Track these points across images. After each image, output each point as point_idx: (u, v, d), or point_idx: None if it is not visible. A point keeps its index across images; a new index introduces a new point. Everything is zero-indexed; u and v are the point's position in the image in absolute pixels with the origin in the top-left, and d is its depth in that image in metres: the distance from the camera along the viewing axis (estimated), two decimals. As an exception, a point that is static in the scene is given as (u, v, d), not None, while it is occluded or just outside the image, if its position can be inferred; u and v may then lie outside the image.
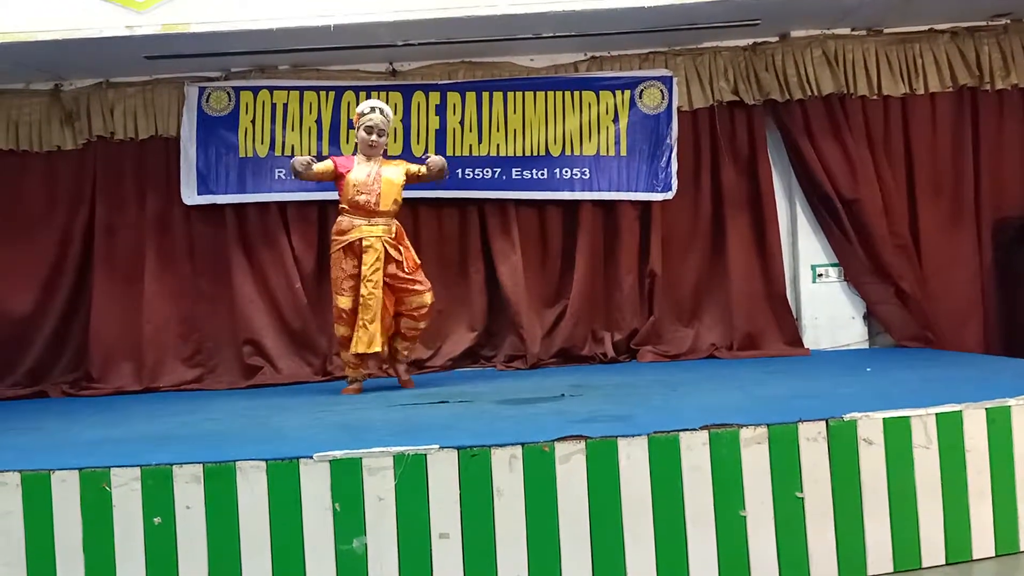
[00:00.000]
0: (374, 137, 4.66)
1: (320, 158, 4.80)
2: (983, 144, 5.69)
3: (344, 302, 4.61)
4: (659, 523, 2.67)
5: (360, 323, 4.53)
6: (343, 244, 4.63)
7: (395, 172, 4.71)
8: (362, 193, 4.60)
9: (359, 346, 4.54)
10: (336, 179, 4.70)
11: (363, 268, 4.55)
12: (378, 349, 4.58)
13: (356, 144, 4.78)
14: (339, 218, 4.69)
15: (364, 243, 4.58)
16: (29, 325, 5.72)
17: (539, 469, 2.66)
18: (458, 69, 5.80)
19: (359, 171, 4.65)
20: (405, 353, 4.94)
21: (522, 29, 5.31)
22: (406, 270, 4.65)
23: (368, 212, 4.61)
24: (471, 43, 5.46)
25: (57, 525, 2.66)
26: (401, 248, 4.69)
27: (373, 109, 4.67)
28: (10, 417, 4.57)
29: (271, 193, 5.71)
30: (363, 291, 4.53)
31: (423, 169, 4.70)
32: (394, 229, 4.69)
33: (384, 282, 4.60)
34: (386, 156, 4.87)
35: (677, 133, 5.73)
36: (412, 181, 4.78)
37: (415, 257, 4.77)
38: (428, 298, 4.72)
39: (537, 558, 2.64)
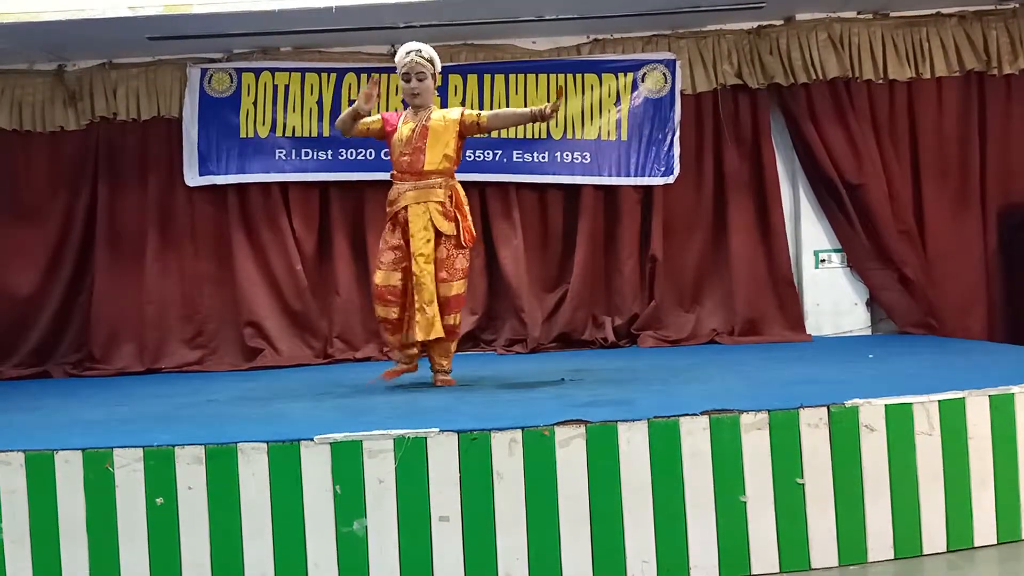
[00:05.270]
0: (413, 83, 3.93)
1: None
2: (990, 129, 5.66)
3: (379, 276, 3.99)
4: (659, 508, 2.67)
5: (417, 306, 3.87)
6: (390, 216, 3.99)
7: (443, 120, 3.95)
8: (405, 154, 3.92)
9: (419, 333, 3.87)
10: (386, 139, 4.06)
11: (411, 242, 3.89)
12: (441, 335, 3.89)
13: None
14: (391, 188, 4.05)
15: (410, 213, 3.89)
16: (32, 305, 5.73)
17: (539, 453, 2.66)
18: (460, 52, 5.77)
19: (403, 128, 3.95)
20: (443, 363, 4.10)
21: (525, 11, 5.29)
22: (444, 252, 3.93)
23: (414, 174, 3.92)
24: (473, 25, 5.42)
25: (60, 504, 2.66)
26: (458, 217, 3.95)
27: (408, 52, 3.93)
28: (14, 397, 4.59)
29: (272, 174, 5.71)
30: (414, 268, 3.86)
31: (483, 117, 3.95)
32: (448, 193, 3.94)
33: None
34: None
35: (680, 117, 5.70)
36: (471, 132, 4.02)
37: (472, 229, 4.02)
38: (455, 287, 3.96)
39: (537, 542, 2.64)
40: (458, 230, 3.94)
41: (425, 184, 3.91)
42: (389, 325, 4.05)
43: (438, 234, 3.91)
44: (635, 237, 5.79)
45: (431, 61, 3.96)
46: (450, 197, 3.95)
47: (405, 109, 4.08)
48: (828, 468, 2.74)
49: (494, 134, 5.66)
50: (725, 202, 5.79)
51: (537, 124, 5.58)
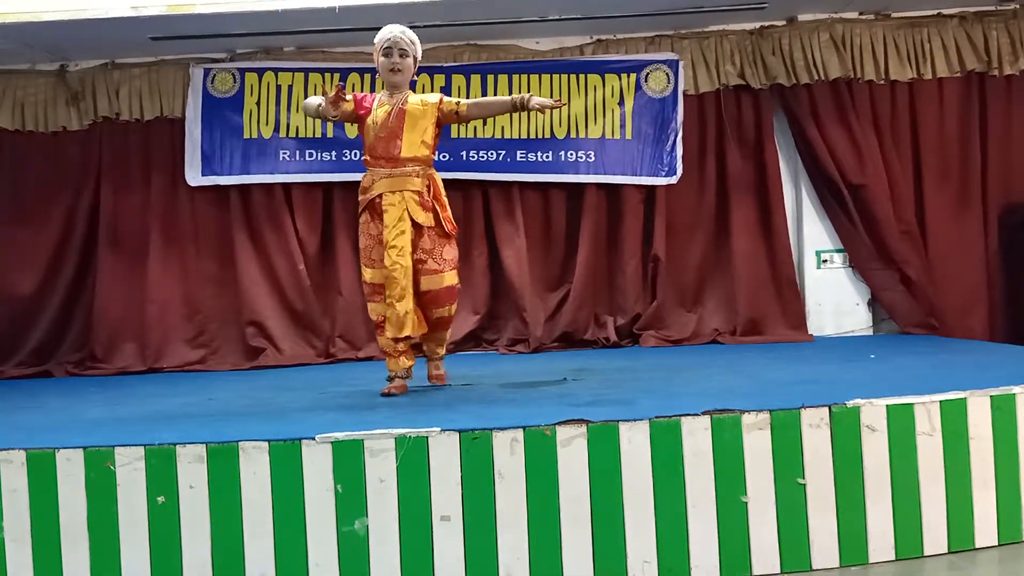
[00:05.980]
0: (395, 58, 3.72)
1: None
2: (991, 130, 5.65)
3: (368, 274, 3.80)
4: (660, 508, 2.67)
5: (387, 302, 3.70)
6: (364, 204, 3.78)
7: (421, 104, 3.75)
8: (380, 137, 3.72)
9: (389, 329, 3.71)
10: (359, 122, 3.83)
11: (384, 232, 3.69)
12: (410, 333, 3.71)
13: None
14: (364, 175, 3.86)
15: (384, 201, 3.70)
16: (34, 305, 5.74)
17: (540, 452, 2.66)
18: (463, 52, 5.78)
19: (378, 111, 3.74)
20: (439, 351, 4.05)
21: (528, 12, 5.29)
22: (429, 243, 3.75)
23: (389, 160, 3.72)
24: (476, 25, 5.43)
25: (62, 503, 2.67)
26: (436, 208, 3.77)
27: (392, 31, 3.75)
28: (15, 396, 4.59)
29: (275, 175, 5.71)
30: (386, 261, 3.67)
31: (463, 105, 3.76)
32: (425, 183, 3.75)
33: None
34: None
35: (683, 117, 5.70)
36: (449, 119, 3.83)
37: (452, 220, 3.86)
38: (447, 279, 3.80)
39: (538, 541, 2.64)
40: (437, 220, 3.77)
41: (401, 172, 3.71)
42: (383, 324, 3.81)
43: (418, 225, 3.72)
44: (638, 237, 5.78)
45: (414, 43, 3.79)
46: (428, 187, 3.76)
47: (376, 92, 3.90)
48: (829, 468, 2.74)
49: (498, 134, 5.67)
50: (727, 202, 5.79)
51: (540, 124, 5.68)
